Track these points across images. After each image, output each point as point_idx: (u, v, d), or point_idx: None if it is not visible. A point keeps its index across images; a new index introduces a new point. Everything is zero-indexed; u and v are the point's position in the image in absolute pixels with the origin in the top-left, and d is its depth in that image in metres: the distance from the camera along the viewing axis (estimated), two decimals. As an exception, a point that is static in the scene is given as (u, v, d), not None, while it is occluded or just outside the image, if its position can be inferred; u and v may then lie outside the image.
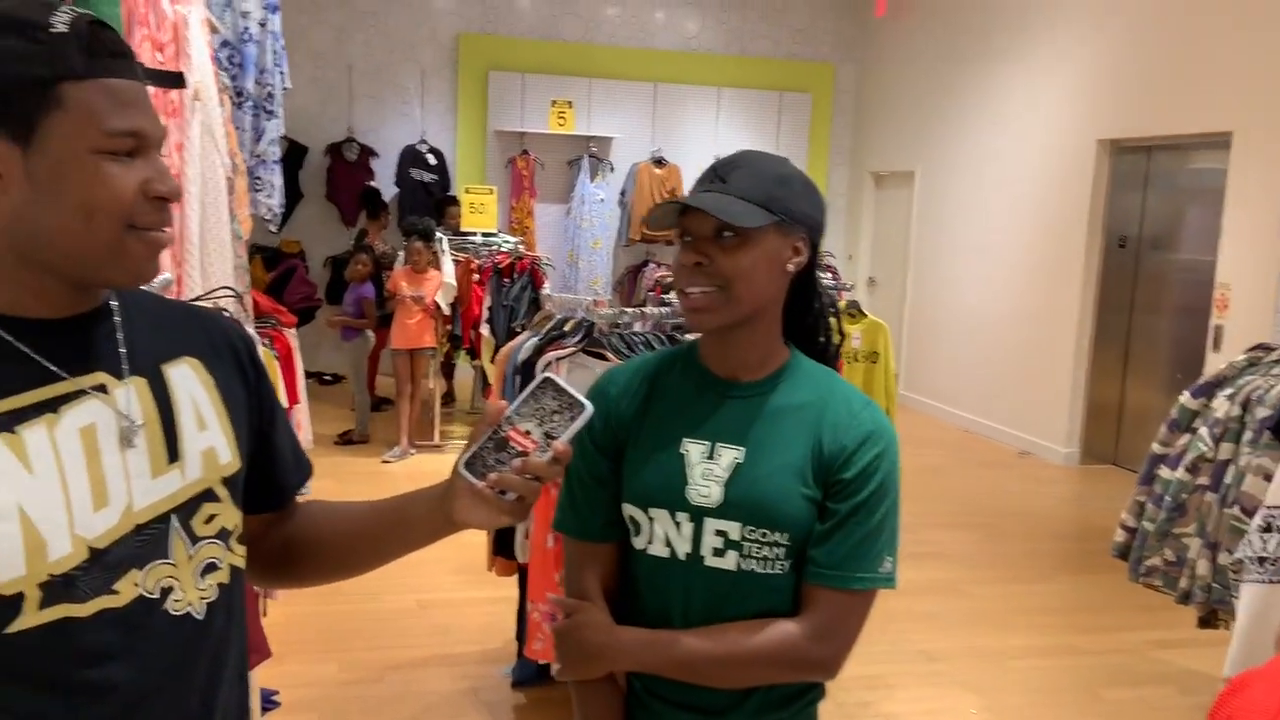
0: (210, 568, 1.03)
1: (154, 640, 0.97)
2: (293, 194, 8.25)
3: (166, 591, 0.98)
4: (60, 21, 0.89)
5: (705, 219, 1.26)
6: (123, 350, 1.00)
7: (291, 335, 4.34)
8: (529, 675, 3.41)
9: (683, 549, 1.30)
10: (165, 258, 3.17)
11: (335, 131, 8.73)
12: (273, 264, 8.08)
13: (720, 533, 1.28)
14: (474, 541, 4.65)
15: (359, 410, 6.76)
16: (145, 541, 0.97)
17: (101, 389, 0.97)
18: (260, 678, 2.87)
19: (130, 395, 0.99)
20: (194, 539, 1.01)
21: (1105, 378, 6.83)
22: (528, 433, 1.04)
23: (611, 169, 9.18)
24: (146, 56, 2.89)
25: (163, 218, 0.96)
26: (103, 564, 0.94)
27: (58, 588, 0.91)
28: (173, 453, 1.00)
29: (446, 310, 6.49)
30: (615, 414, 1.37)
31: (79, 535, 0.93)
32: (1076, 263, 6.80)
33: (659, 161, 9.03)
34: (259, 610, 2.89)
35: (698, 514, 1.29)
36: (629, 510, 1.35)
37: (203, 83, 3.17)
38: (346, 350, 6.96)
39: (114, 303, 1.02)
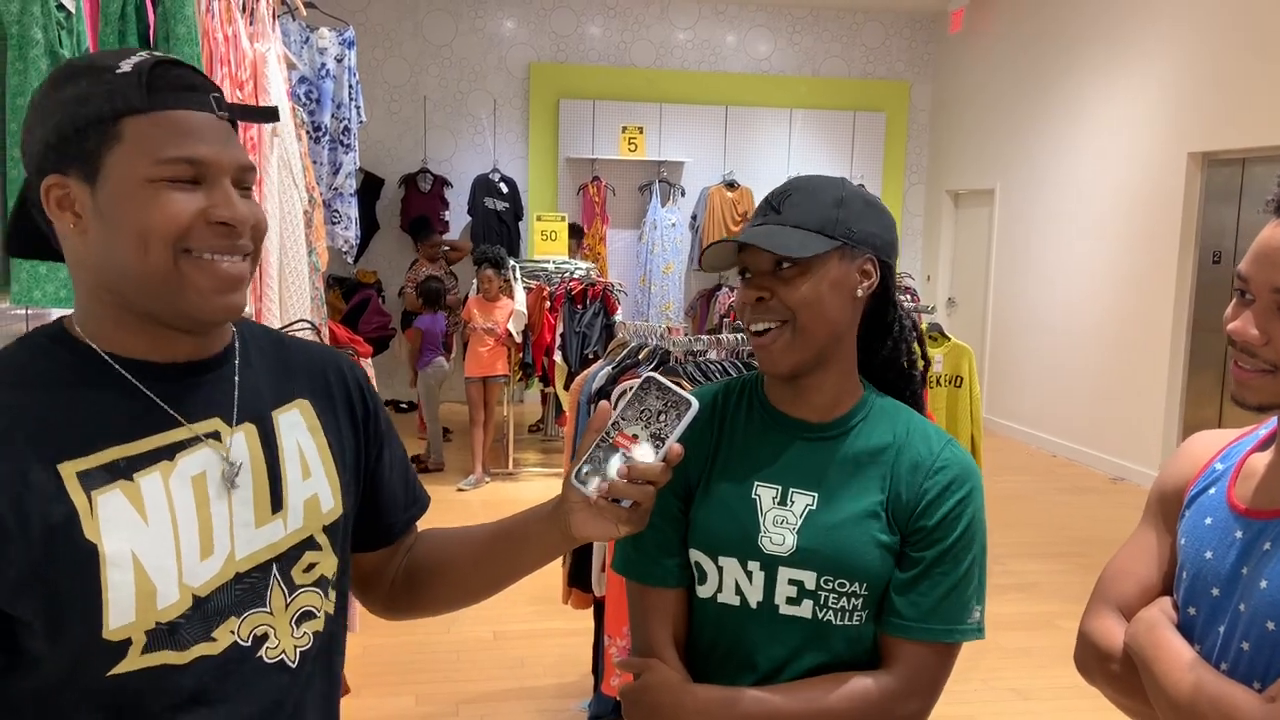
0: (307, 615, 1.04)
1: (246, 688, 0.98)
2: (369, 225, 8.41)
3: (261, 639, 0.99)
4: (127, 63, 0.93)
5: (762, 253, 1.20)
6: (237, 395, 1.02)
7: (368, 365, 4.37)
8: (605, 710, 3.34)
9: (754, 597, 1.24)
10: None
11: (410, 163, 8.88)
12: (350, 294, 8.22)
13: (794, 581, 1.22)
14: (548, 571, 4.61)
15: (431, 438, 6.79)
16: (245, 590, 0.98)
17: (215, 435, 0.99)
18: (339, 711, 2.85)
19: (240, 443, 1.00)
20: (292, 587, 1.02)
21: (1201, 399, 6.52)
22: (635, 436, 1.02)
23: (683, 193, 9.15)
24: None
25: (228, 244, 0.95)
26: (204, 612, 0.95)
27: (162, 635, 0.93)
28: (276, 502, 1.02)
29: (518, 338, 6.50)
30: (688, 452, 1.29)
31: (186, 584, 0.94)
32: (1168, 280, 6.53)
33: (731, 185, 8.98)
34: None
35: (770, 563, 1.23)
36: (695, 556, 1.28)
37: (280, 119, 3.23)
38: (420, 378, 7.03)
39: (236, 345, 1.05)
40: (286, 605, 1.01)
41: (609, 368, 3.29)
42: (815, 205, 1.21)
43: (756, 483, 1.25)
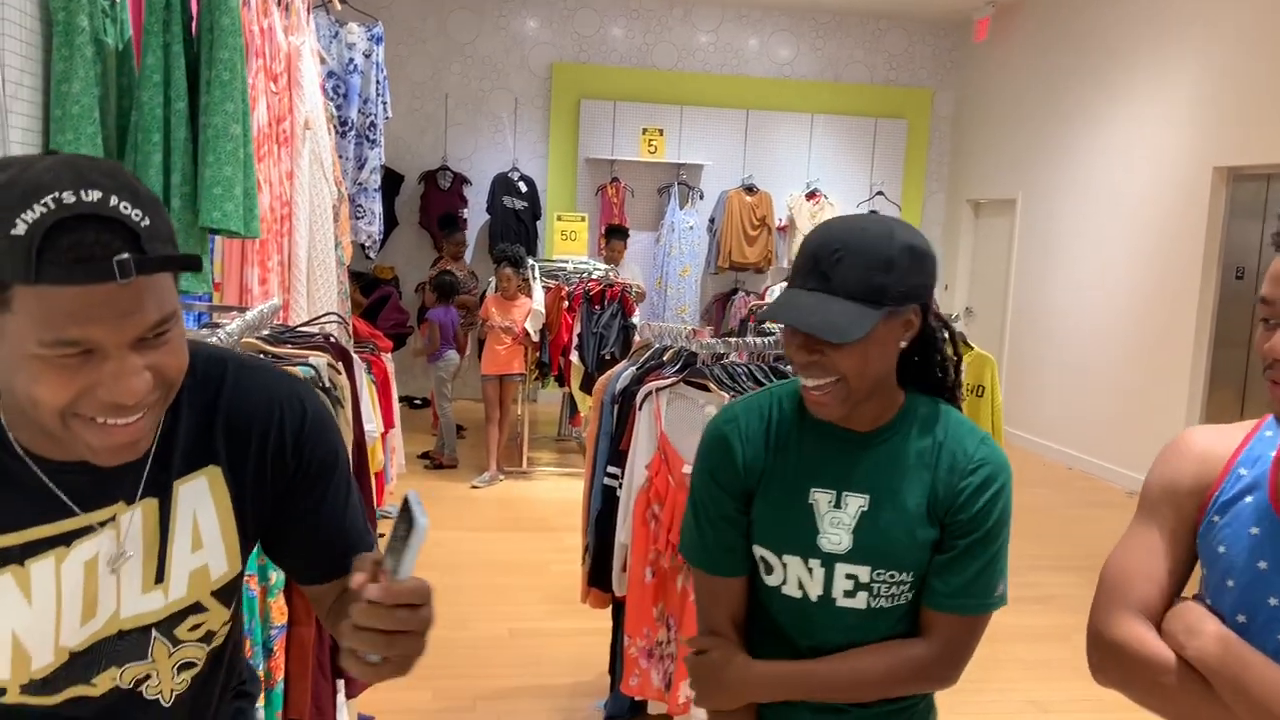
0: (188, 665, 1.11)
1: (121, 717, 1.08)
2: (388, 221, 8.43)
3: (142, 680, 1.08)
4: (23, 221, 0.83)
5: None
6: (146, 473, 1.04)
7: (388, 360, 4.39)
8: (622, 710, 3.34)
9: (815, 591, 1.37)
10: (273, 284, 3.24)
11: (430, 159, 8.90)
12: (367, 290, 8.25)
13: (850, 576, 1.36)
14: (565, 571, 4.62)
15: (444, 432, 6.80)
16: (126, 645, 1.06)
17: (112, 519, 1.03)
18: (358, 704, 2.86)
19: (136, 521, 1.04)
20: (175, 642, 1.09)
21: (1221, 415, 6.48)
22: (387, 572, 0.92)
23: (701, 196, 9.15)
24: (261, 86, 2.95)
25: (121, 413, 0.91)
26: (81, 663, 1.04)
27: (35, 686, 1.03)
28: (160, 575, 1.06)
29: (535, 337, 6.50)
30: (744, 462, 1.40)
31: (62, 645, 1.03)
32: (1190, 295, 6.49)
33: (750, 189, 8.97)
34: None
35: (829, 560, 1.36)
36: (761, 552, 1.41)
37: (313, 112, 3.23)
38: (430, 373, 7.04)
39: (171, 415, 1.04)
40: (169, 655, 1.09)
41: (633, 368, 3.29)
42: (866, 270, 1.24)
43: (812, 489, 1.37)
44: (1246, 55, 6.08)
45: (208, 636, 1.10)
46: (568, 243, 7.86)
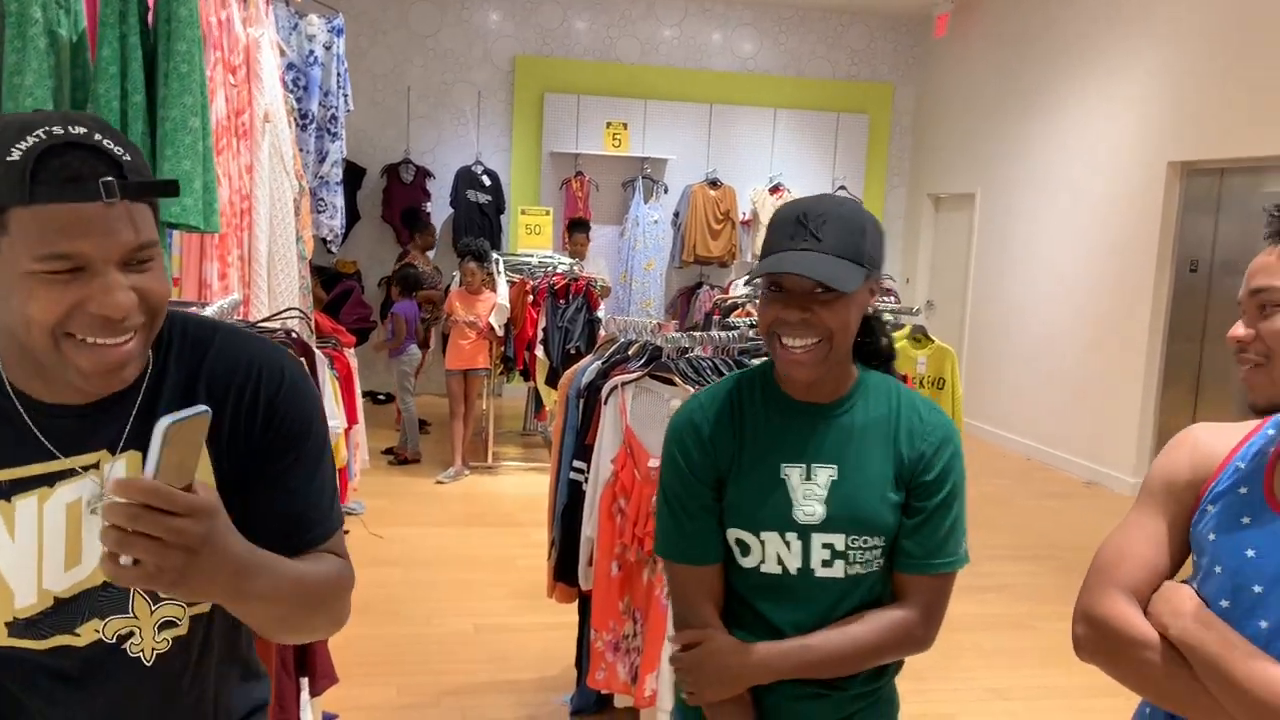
0: (169, 624, 1.13)
1: (106, 675, 1.11)
2: (350, 215, 8.35)
3: (125, 637, 1.11)
4: (19, 149, 0.93)
5: (804, 276, 1.33)
6: (129, 426, 1.08)
7: (351, 355, 4.35)
8: (588, 704, 3.35)
9: (794, 564, 1.42)
10: (233, 279, 3.20)
11: (392, 153, 8.83)
12: (329, 285, 8.17)
13: (827, 545, 1.41)
14: (531, 566, 4.61)
15: (407, 427, 6.76)
16: (109, 598, 1.09)
17: (96, 466, 1.08)
18: (322, 702, 2.84)
19: (119, 471, 1.08)
20: (155, 599, 1.11)
21: (1176, 406, 6.62)
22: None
23: (666, 190, 9.16)
24: (220, 79, 2.91)
25: (110, 330, 0.98)
26: (66, 611, 1.08)
27: (20, 627, 1.08)
28: None
29: (500, 332, 6.48)
30: (714, 448, 1.44)
31: (46, 589, 1.07)
32: (1146, 288, 6.62)
33: (714, 183, 8.99)
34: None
35: (805, 531, 1.41)
36: (737, 534, 1.44)
37: (273, 105, 3.19)
38: (392, 368, 6.99)
39: (150, 371, 1.10)
40: (150, 613, 1.11)
41: (598, 363, 3.29)
42: (849, 233, 1.35)
43: (783, 464, 1.42)
44: (1199, 52, 6.20)
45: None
46: (532, 237, 7.84)
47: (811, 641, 1.41)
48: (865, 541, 1.41)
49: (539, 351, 6.54)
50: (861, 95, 9.57)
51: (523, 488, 6.16)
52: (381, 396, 8.63)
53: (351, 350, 4.55)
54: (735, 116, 9.24)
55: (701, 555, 1.45)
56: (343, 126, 4.84)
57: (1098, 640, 1.25)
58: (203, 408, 0.92)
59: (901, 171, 9.86)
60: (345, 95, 4.85)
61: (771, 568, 1.42)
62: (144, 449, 0.99)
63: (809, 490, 1.41)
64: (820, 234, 1.34)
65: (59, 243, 0.93)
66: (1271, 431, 1.25)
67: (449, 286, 6.79)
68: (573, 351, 6.21)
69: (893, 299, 5.77)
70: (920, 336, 4.47)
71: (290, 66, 4.57)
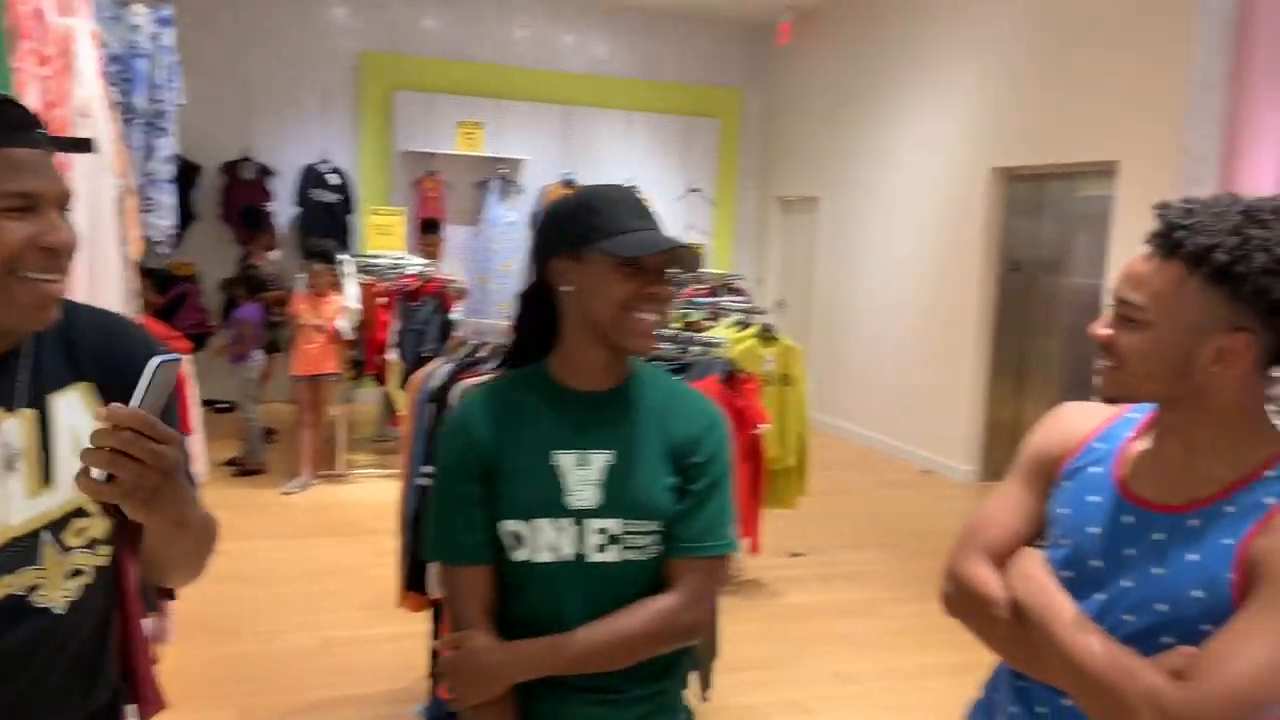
0: (78, 572, 1.20)
1: (15, 626, 1.15)
2: (185, 215, 7.94)
3: (33, 588, 1.16)
4: None
5: (660, 258, 1.40)
6: (20, 383, 1.16)
7: (186, 362, 4.14)
8: (442, 713, 3.28)
9: (568, 551, 1.41)
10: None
11: (231, 150, 8.45)
12: (164, 288, 7.74)
13: (602, 530, 1.41)
14: (383, 575, 4.49)
15: (250, 437, 6.49)
16: (18, 552, 1.14)
17: None
18: (153, 729, 2.69)
19: (14, 428, 1.15)
20: (65, 549, 1.18)
21: (1002, 397, 7.04)
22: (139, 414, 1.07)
23: (521, 191, 9.11)
24: (30, 70, 2.71)
25: (51, 265, 1.11)
26: None
27: None
28: (46, 477, 1.17)
29: (350, 335, 6.30)
30: (480, 441, 1.44)
31: None
32: (973, 287, 7.01)
33: (569, 184, 9.00)
34: (151, 659, 2.71)
35: (580, 516, 1.41)
36: (510, 526, 1.42)
37: (90, 98, 3.00)
38: (236, 374, 6.69)
39: (35, 337, 1.18)
40: (60, 563, 1.18)
41: (449, 366, 3.25)
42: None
43: (554, 451, 1.42)
44: (1020, 66, 6.62)
45: (93, 544, 1.20)
46: (383, 237, 7.65)
47: (576, 635, 1.39)
48: (642, 526, 1.41)
49: (392, 355, 6.39)
50: (712, 100, 9.77)
51: (375, 495, 6.00)
52: (223, 405, 8.25)
53: (187, 357, 4.33)
54: (590, 118, 9.28)
55: (471, 555, 1.43)
56: (173, 121, 4.59)
57: (957, 598, 1.34)
58: (178, 354, 1.05)
59: (751, 175, 10.12)
60: (175, 88, 4.60)
61: (546, 557, 1.40)
62: (37, 408, 1.17)
63: (583, 476, 1.41)
64: (651, 216, 1.43)
65: (18, 180, 1.07)
66: (1134, 416, 1.34)
67: (291, 289, 6.56)
68: (426, 355, 6.10)
69: (743, 299, 5.92)
70: (768, 335, 4.60)
71: (114, 58, 4.31)
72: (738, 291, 6.16)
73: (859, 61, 8.42)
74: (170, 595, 3.18)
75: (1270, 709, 1.08)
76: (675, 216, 9.63)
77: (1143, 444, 1.30)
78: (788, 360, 4.59)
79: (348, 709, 3.42)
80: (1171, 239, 1.18)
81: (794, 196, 9.54)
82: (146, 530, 1.17)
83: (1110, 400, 1.30)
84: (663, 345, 3.47)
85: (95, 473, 0.99)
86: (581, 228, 1.40)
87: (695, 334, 3.78)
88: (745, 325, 4.76)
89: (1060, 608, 1.22)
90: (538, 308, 1.48)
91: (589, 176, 9.15)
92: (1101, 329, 1.26)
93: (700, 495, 1.44)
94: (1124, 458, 1.30)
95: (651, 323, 1.41)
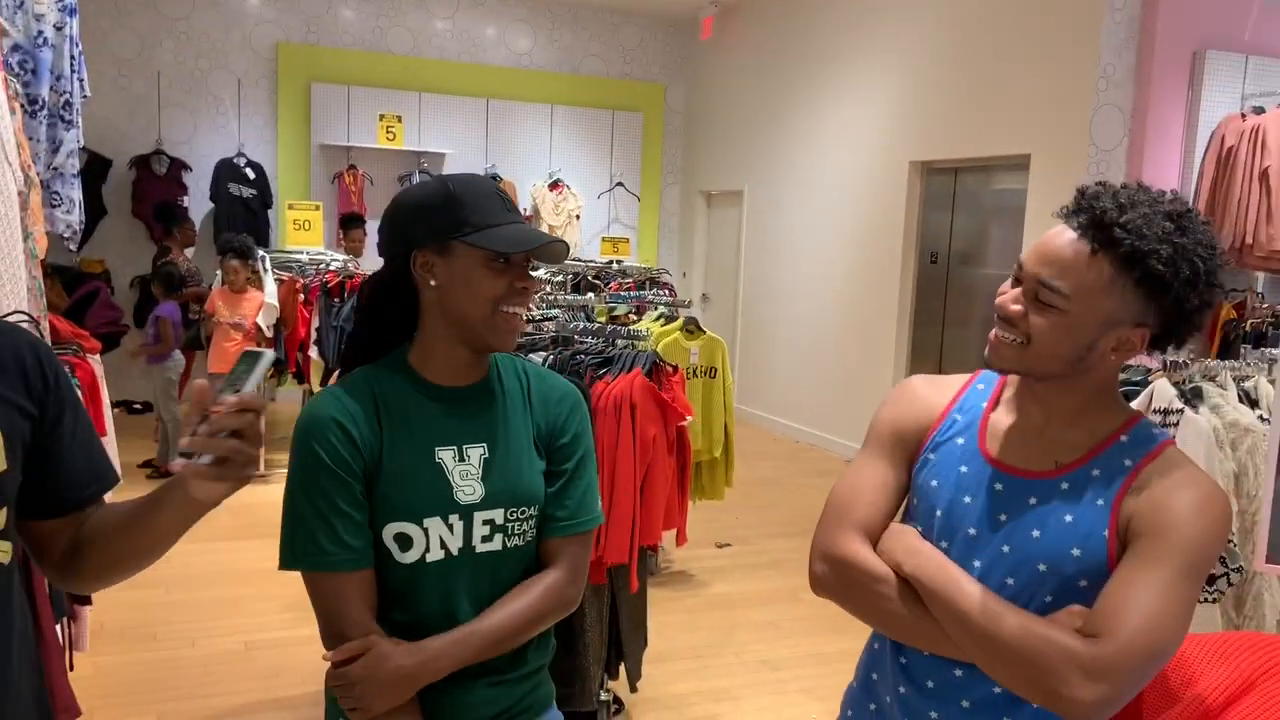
0: None
1: None
2: (95, 210, 7.68)
3: None
4: None
5: (528, 252, 1.42)
6: None
7: (96, 362, 4.02)
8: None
9: (456, 545, 1.41)
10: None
11: (142, 143, 8.20)
12: (73, 286, 7.47)
13: (487, 521, 1.42)
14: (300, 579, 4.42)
15: (165, 438, 6.32)
16: None
17: None
18: (66, 740, 2.61)
19: None
20: None
21: (923, 386, 7.20)
22: (225, 401, 1.11)
23: (443, 185, 9.00)
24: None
25: None
26: None
27: None
28: None
29: (269, 333, 6.17)
30: (359, 441, 1.38)
31: None
32: (893, 278, 7.17)
33: (494, 178, 8.93)
34: (65, 665, 2.63)
35: (466, 511, 1.41)
36: (397, 528, 1.39)
37: (-11, 89, 2.89)
38: (153, 374, 6.50)
39: None
40: None
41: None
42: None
43: (435, 447, 1.41)
44: (937, 60, 6.78)
45: None
46: (301, 233, 7.50)
47: (480, 624, 1.39)
48: (522, 512, 1.44)
49: (313, 352, 6.28)
50: (635, 94, 9.79)
51: (298, 495, 5.89)
52: (138, 405, 8.01)
53: (97, 357, 4.19)
54: (513, 112, 9.22)
55: (355, 559, 1.36)
56: (79, 113, 4.44)
57: (835, 577, 1.36)
58: (273, 352, 1.09)
59: (675, 169, 10.17)
60: (81, 80, 4.44)
61: (435, 554, 1.39)
62: None
63: (465, 470, 1.41)
64: (516, 209, 1.45)
65: None
66: (981, 386, 1.41)
67: (210, 286, 6.40)
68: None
69: (668, 293, 5.96)
70: (693, 328, 4.64)
71: (16, 48, 4.15)
72: (663, 285, 6.20)
73: (781, 56, 8.52)
74: (86, 600, 3.09)
75: (1168, 652, 1.16)
76: (600, 210, 9.64)
77: (1002, 414, 1.36)
78: (712, 353, 4.64)
79: (272, 712, 3.37)
80: (1109, 235, 1.20)
81: (717, 190, 9.62)
82: (158, 521, 1.17)
83: (1000, 371, 1.33)
84: (588, 339, 3.48)
85: (204, 457, 1.07)
86: (448, 220, 1.37)
87: (620, 327, 3.79)
88: (670, 319, 4.79)
89: (960, 582, 1.25)
90: (390, 300, 1.44)
91: (512, 171, 9.10)
92: (1013, 304, 1.27)
93: (569, 474, 1.49)
94: (985, 428, 1.35)
95: (519, 320, 1.41)
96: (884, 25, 7.28)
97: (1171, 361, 2.56)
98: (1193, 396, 2.52)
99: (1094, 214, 1.21)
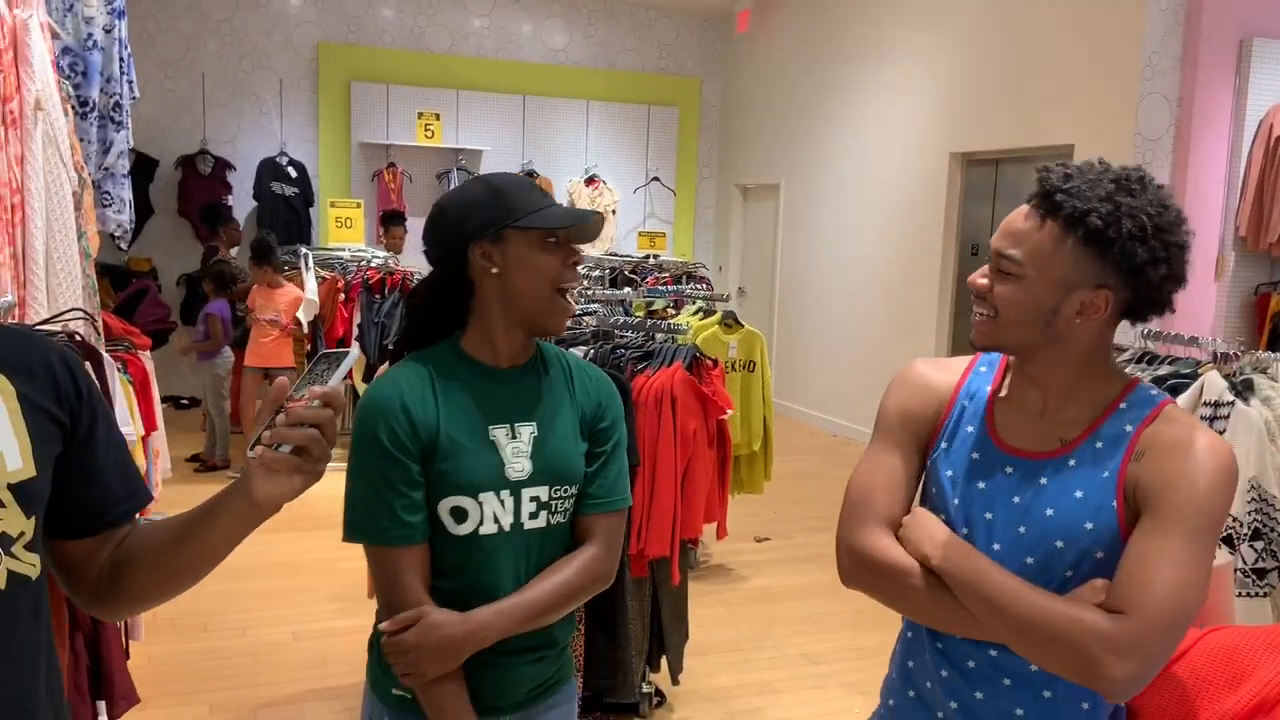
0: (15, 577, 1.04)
1: None
2: (142, 210, 7.83)
3: None
4: None
5: (571, 232, 1.52)
6: None
7: (146, 359, 4.11)
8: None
9: (507, 520, 1.49)
10: (5, 279, 2.94)
11: (188, 143, 8.34)
12: (121, 284, 7.63)
13: (534, 498, 1.51)
14: (352, 568, 4.50)
15: (213, 433, 6.44)
16: None
17: None
18: (124, 726, 2.68)
19: None
20: (7, 545, 1.03)
21: (963, 380, 7.14)
22: (303, 398, 1.09)
23: (481, 182, 9.07)
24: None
25: None
26: None
27: None
28: None
29: (307, 328, 6.26)
30: (419, 421, 1.46)
31: None
32: (933, 270, 7.11)
33: (530, 174, 8.98)
34: (123, 653, 2.70)
35: (516, 487, 1.50)
36: (454, 502, 1.47)
37: (45, 91, 2.96)
38: (202, 371, 6.63)
39: None
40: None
41: (413, 357, 3.25)
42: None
43: (490, 426, 1.50)
44: (977, 53, 6.71)
45: (5, 541, 1.03)
46: (344, 230, 7.61)
47: (524, 596, 1.48)
48: (564, 491, 1.53)
49: (354, 348, 6.36)
50: (671, 88, 9.79)
51: (341, 488, 5.97)
52: (184, 401, 8.16)
53: (147, 353, 4.28)
54: (549, 108, 9.26)
55: (411, 534, 1.45)
56: (128, 115, 4.53)
57: (862, 572, 1.38)
58: (356, 349, 1.09)
59: (711, 163, 10.16)
60: (130, 81, 4.53)
61: (489, 528, 1.48)
62: None
63: (516, 448, 1.50)
64: (550, 195, 1.55)
65: None
66: (984, 369, 1.43)
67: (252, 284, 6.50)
68: (390, 346, 6.08)
69: (704, 286, 5.96)
70: (731, 322, 4.64)
71: (66, 50, 4.24)
72: (700, 279, 6.20)
73: (817, 49, 8.48)
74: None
75: (1191, 617, 1.19)
76: (636, 205, 9.66)
77: (1006, 398, 1.38)
78: (751, 346, 4.64)
79: (320, 701, 3.43)
80: (1052, 200, 1.26)
81: (754, 184, 9.59)
82: (214, 528, 1.12)
83: (982, 348, 1.37)
84: (628, 334, 3.49)
85: (284, 447, 1.05)
86: (498, 210, 1.47)
87: (660, 321, 3.81)
88: (708, 312, 4.80)
89: (989, 572, 1.26)
90: (443, 299, 1.55)
91: (548, 166, 9.14)
92: (979, 279, 1.34)
93: (606, 456, 1.58)
94: (992, 413, 1.38)
95: (573, 305, 1.54)
96: (921, 15, 7.21)
97: (1222, 354, 2.52)
98: (1244, 388, 2.48)
99: (1042, 185, 1.28)
